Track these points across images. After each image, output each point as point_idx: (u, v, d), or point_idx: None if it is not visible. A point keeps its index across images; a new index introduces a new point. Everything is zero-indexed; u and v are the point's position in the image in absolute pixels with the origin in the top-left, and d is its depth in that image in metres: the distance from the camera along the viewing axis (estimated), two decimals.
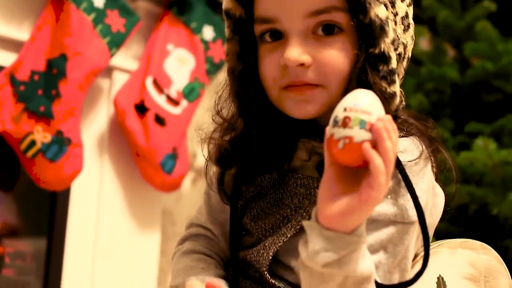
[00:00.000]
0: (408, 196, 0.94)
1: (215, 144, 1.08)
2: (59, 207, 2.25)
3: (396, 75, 0.97)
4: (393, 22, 0.97)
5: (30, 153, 2.05)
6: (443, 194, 1.06)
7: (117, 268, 2.35)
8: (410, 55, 1.04)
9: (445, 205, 1.06)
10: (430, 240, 0.96)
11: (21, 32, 2.13)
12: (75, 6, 2.10)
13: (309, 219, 0.88)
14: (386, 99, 0.95)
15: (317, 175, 1.00)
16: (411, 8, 1.04)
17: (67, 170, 2.10)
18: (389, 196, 0.95)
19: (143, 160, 2.31)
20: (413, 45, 1.04)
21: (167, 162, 2.31)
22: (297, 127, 1.03)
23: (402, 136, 1.00)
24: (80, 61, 2.09)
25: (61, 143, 2.07)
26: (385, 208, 0.95)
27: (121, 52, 2.29)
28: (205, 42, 2.46)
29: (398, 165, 0.92)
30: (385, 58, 0.95)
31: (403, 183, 0.94)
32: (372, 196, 0.80)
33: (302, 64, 0.96)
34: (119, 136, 2.35)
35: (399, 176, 0.94)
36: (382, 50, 0.95)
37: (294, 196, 1.03)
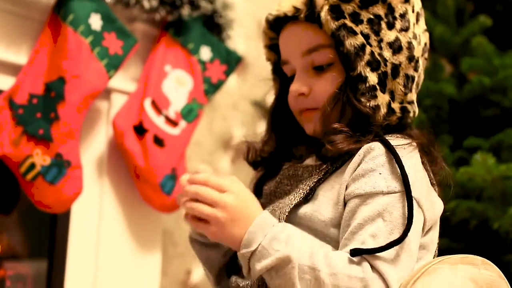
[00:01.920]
0: (399, 170, 1.10)
1: (251, 147, 1.34)
2: (60, 229, 2.24)
3: (378, 91, 1.18)
4: (377, 47, 1.18)
5: (29, 176, 2.05)
6: (440, 200, 1.20)
7: None
8: (410, 72, 1.21)
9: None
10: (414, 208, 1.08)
11: (19, 56, 2.14)
12: (72, 29, 2.11)
13: (309, 191, 1.15)
14: (370, 110, 1.16)
15: (318, 162, 1.20)
16: (406, 33, 1.21)
17: (67, 192, 2.09)
18: (380, 172, 1.11)
19: (143, 181, 2.31)
20: (414, 63, 1.21)
21: (167, 182, 2.31)
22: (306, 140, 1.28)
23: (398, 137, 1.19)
24: (78, 84, 2.10)
25: (61, 166, 2.07)
26: (378, 183, 1.10)
27: (119, 74, 2.30)
28: (202, 63, 2.46)
29: (389, 146, 1.12)
30: (362, 78, 1.17)
31: (393, 161, 1.11)
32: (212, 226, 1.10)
33: (302, 94, 1.22)
34: (118, 158, 2.35)
35: (391, 155, 1.11)
36: (359, 71, 1.17)
37: (299, 182, 1.21)
